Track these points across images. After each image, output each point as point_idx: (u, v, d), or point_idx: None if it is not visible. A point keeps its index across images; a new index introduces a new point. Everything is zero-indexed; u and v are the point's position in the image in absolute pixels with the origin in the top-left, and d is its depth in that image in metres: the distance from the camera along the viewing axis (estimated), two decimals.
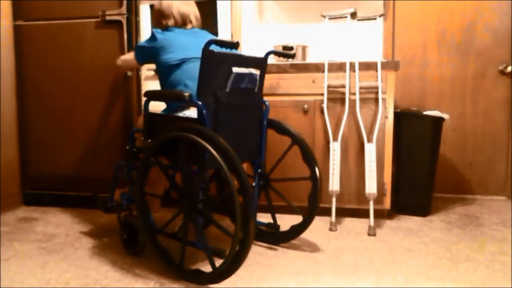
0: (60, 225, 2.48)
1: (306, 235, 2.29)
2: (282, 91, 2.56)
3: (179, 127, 1.70)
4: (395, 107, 2.55)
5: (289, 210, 2.29)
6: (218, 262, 1.63)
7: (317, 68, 2.51)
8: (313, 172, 2.04)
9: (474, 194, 3.14)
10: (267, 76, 2.56)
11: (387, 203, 2.50)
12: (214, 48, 1.68)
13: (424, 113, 2.60)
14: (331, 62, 2.49)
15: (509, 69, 3.01)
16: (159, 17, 2.09)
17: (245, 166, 2.30)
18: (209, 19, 2.61)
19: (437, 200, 2.92)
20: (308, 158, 2.04)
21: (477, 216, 2.64)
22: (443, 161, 3.09)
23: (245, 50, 2.71)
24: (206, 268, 1.71)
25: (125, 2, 2.64)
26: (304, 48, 2.80)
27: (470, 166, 3.14)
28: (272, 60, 2.79)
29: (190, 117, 1.82)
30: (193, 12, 2.10)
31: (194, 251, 1.96)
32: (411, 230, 2.37)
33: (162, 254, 1.81)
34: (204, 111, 1.68)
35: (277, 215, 2.27)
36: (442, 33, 3.09)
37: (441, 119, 2.59)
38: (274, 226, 2.15)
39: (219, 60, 1.71)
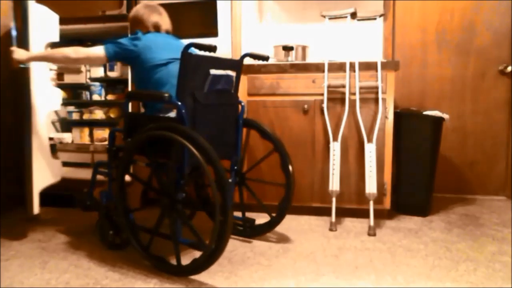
0: (60, 225, 2.48)
1: (306, 235, 2.29)
2: (282, 91, 2.56)
3: (160, 127, 1.78)
4: (395, 107, 2.55)
5: (260, 208, 2.35)
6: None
7: (317, 68, 2.51)
8: (288, 181, 2.14)
9: (474, 194, 3.14)
10: (267, 76, 2.57)
11: (387, 203, 2.50)
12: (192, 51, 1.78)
13: (424, 113, 2.60)
14: (331, 62, 2.49)
15: (509, 69, 3.01)
16: (133, 25, 2.14)
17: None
18: (209, 19, 2.62)
19: (437, 200, 2.92)
20: (286, 168, 2.14)
21: (477, 216, 2.64)
22: (443, 161, 3.09)
23: (245, 50, 2.71)
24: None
25: (125, 2, 2.64)
26: (304, 48, 2.80)
27: (470, 166, 3.14)
28: (272, 60, 2.79)
29: (169, 117, 1.90)
30: (164, 21, 2.17)
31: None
32: (411, 230, 2.37)
33: (143, 249, 1.88)
34: (183, 111, 1.76)
35: (248, 213, 2.34)
36: (442, 33, 3.09)
37: (441, 119, 2.59)
38: (249, 220, 2.24)
39: (197, 62, 1.81)
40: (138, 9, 2.15)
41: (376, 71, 2.43)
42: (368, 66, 2.46)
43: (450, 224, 2.48)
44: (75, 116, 3.12)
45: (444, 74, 3.11)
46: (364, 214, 2.49)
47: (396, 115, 2.57)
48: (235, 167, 2.18)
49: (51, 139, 2.69)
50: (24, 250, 2.11)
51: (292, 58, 2.75)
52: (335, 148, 2.43)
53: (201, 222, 2.13)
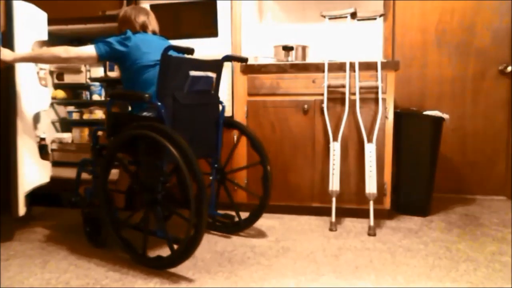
0: (60, 225, 2.48)
1: (306, 235, 2.29)
2: (282, 91, 2.56)
3: (140, 126, 1.84)
4: (395, 107, 2.55)
5: (246, 207, 2.41)
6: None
7: (317, 68, 2.51)
8: (262, 156, 2.21)
9: (474, 194, 3.14)
10: (267, 76, 2.57)
11: (387, 203, 2.50)
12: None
13: (424, 113, 2.60)
14: (331, 62, 2.49)
15: (509, 69, 3.01)
16: (122, 25, 2.19)
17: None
18: (209, 19, 2.62)
19: (437, 200, 2.91)
20: (255, 145, 2.22)
21: (477, 216, 2.64)
22: (443, 161, 3.09)
23: (245, 50, 2.71)
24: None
25: (125, 2, 2.64)
26: (304, 48, 2.80)
27: (470, 166, 3.14)
28: (271, 60, 2.79)
29: (150, 116, 1.95)
30: (151, 22, 2.21)
31: (153, 240, 1.97)
32: (411, 230, 2.37)
33: (126, 245, 1.93)
34: (163, 111, 1.82)
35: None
36: (442, 33, 3.09)
37: (441, 119, 2.59)
38: (229, 216, 2.30)
39: (177, 64, 1.87)
40: (126, 10, 2.21)
41: (376, 71, 2.43)
42: (368, 66, 2.46)
43: (450, 224, 2.48)
44: (75, 116, 3.12)
45: (444, 74, 3.11)
46: (364, 214, 2.49)
47: (396, 115, 2.57)
48: (216, 165, 2.25)
49: (42, 139, 2.68)
50: (24, 250, 2.11)
51: (292, 58, 2.75)
52: (335, 148, 2.43)
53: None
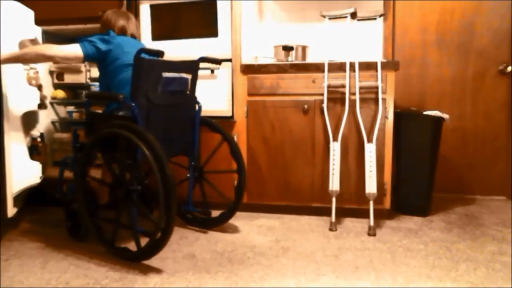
0: (60, 225, 2.48)
1: (306, 235, 2.29)
2: (282, 91, 2.56)
3: (115, 125, 1.92)
4: (395, 107, 2.55)
5: (219, 205, 2.45)
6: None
7: (317, 68, 2.51)
8: (239, 166, 2.30)
9: (474, 194, 3.14)
10: (267, 76, 2.57)
11: (387, 203, 2.50)
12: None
13: (424, 113, 2.60)
14: (331, 62, 2.49)
15: (509, 69, 3.01)
16: (103, 27, 2.27)
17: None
18: (209, 19, 2.61)
19: (437, 200, 2.91)
20: (235, 153, 2.30)
21: (477, 216, 2.64)
22: (443, 161, 3.09)
23: (245, 50, 2.71)
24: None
25: (125, 2, 2.64)
26: (304, 48, 2.80)
27: (470, 166, 3.14)
28: (271, 60, 2.79)
29: (124, 115, 2.01)
30: (130, 26, 2.29)
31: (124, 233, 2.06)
32: (411, 230, 2.37)
33: (101, 238, 2.01)
34: (136, 111, 1.89)
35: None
36: (442, 33, 3.09)
37: (441, 119, 2.59)
38: (207, 212, 2.38)
39: (149, 66, 1.94)
40: (107, 13, 2.30)
41: (376, 71, 2.43)
42: (368, 66, 2.46)
43: (450, 224, 2.48)
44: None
45: (444, 74, 3.11)
46: (364, 214, 2.49)
47: (396, 115, 2.57)
48: (193, 163, 2.31)
49: (34, 139, 2.67)
50: (24, 250, 2.11)
51: (292, 58, 2.75)
52: (335, 148, 2.43)
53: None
